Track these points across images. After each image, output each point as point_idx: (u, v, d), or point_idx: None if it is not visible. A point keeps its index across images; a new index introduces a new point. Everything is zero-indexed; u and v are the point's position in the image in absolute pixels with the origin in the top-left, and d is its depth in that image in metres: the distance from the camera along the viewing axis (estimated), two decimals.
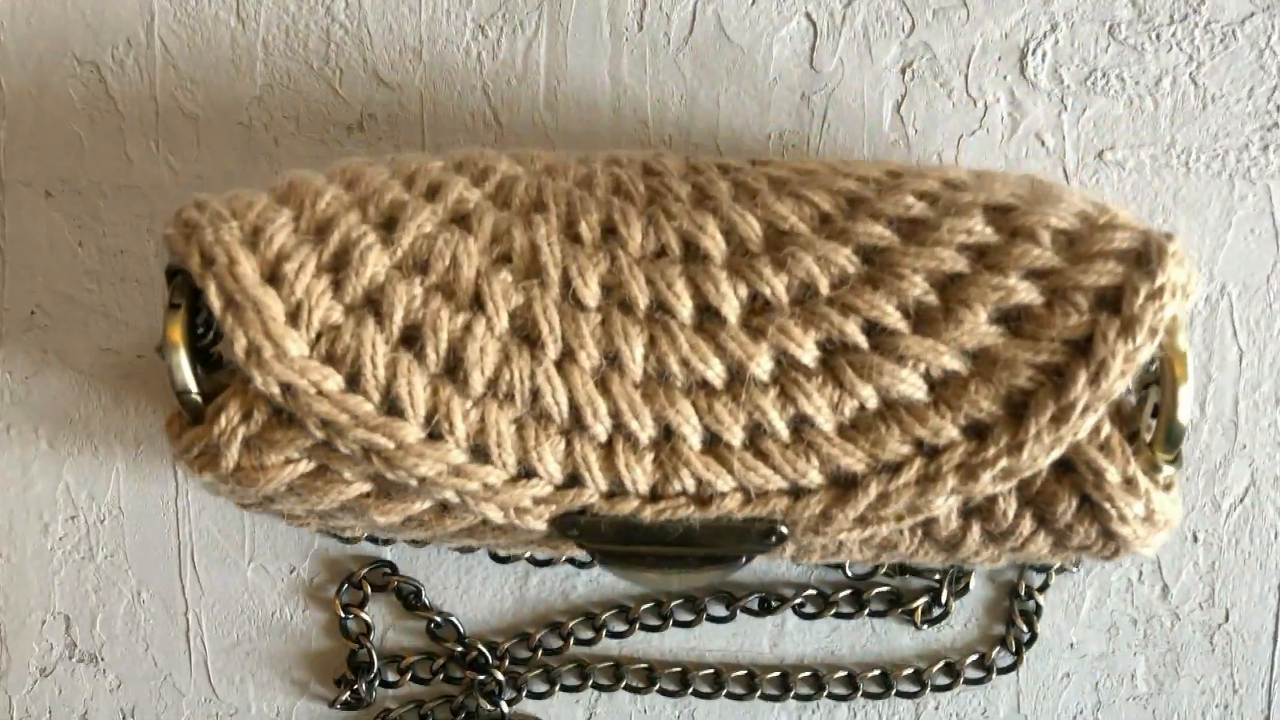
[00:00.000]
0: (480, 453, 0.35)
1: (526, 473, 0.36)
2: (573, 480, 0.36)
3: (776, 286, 0.35)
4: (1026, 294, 0.35)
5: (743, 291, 0.35)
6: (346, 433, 0.35)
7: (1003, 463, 0.35)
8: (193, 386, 0.36)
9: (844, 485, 0.36)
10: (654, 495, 0.36)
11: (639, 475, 0.36)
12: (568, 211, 0.36)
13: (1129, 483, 0.36)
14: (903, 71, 0.51)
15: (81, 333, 0.53)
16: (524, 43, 0.51)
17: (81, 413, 0.53)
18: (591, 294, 0.35)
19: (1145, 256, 0.35)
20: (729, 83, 0.51)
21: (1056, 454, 0.35)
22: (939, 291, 0.35)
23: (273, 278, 0.35)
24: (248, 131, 0.52)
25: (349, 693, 0.53)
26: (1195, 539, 0.53)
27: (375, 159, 0.42)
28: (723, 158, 0.41)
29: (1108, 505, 0.36)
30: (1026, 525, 0.37)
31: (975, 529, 0.38)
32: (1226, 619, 0.54)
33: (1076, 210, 0.36)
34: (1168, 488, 0.37)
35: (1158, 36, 0.50)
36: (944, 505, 0.36)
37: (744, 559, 0.37)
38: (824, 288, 0.35)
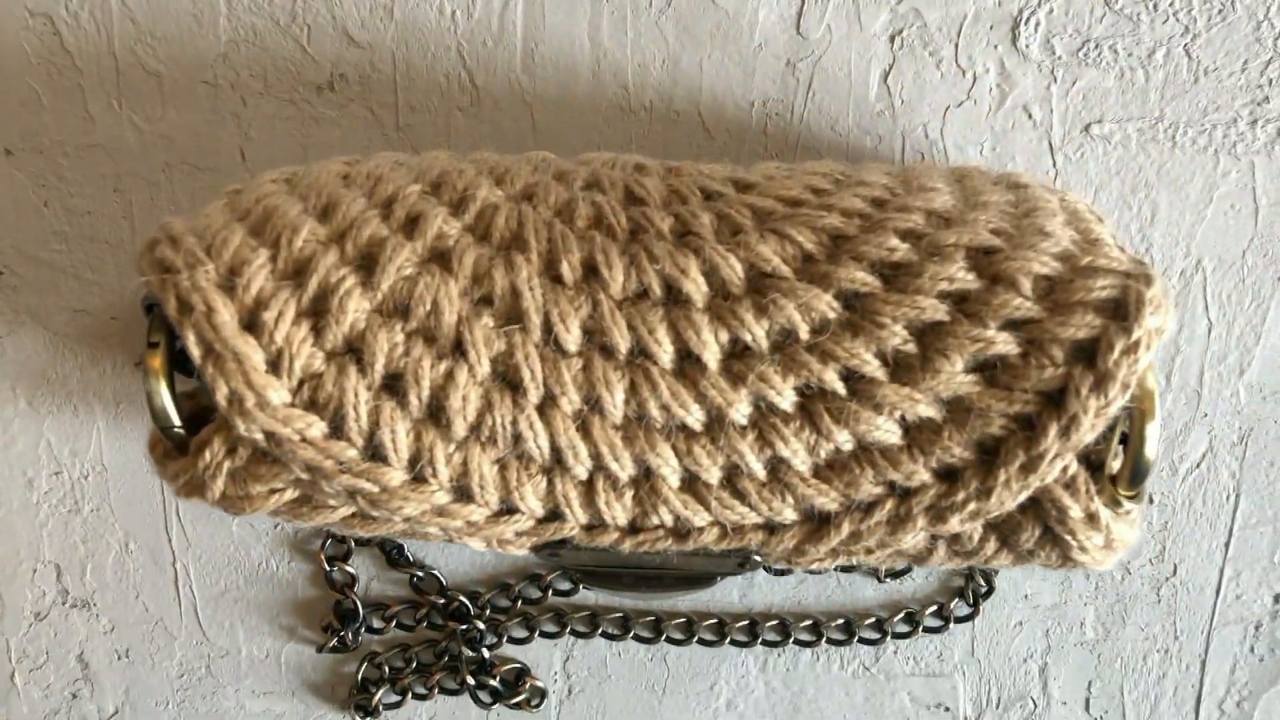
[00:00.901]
0: (463, 493, 0.36)
1: (508, 509, 0.37)
2: (554, 515, 0.37)
3: (757, 333, 0.35)
4: (1004, 345, 0.35)
5: (724, 337, 0.36)
6: (331, 477, 0.35)
7: (971, 506, 0.36)
8: (176, 421, 0.36)
9: (818, 522, 0.37)
10: (633, 528, 0.37)
11: (619, 511, 0.37)
12: (549, 249, 0.36)
13: (1091, 518, 0.37)
14: (891, 39, 0.49)
15: (53, 293, 0.52)
16: (500, 2, 0.49)
17: (58, 372, 0.53)
18: (573, 339, 0.35)
19: (1123, 307, 0.35)
20: (712, 48, 0.49)
21: (1024, 497, 0.36)
22: (918, 339, 0.35)
23: (252, 324, 0.35)
24: (214, 90, 0.50)
25: (335, 639, 0.55)
26: (1151, 500, 0.55)
27: (350, 165, 0.41)
28: (706, 174, 0.40)
29: (1069, 538, 0.37)
30: (991, 547, 0.39)
31: (942, 548, 0.39)
32: (1174, 573, 0.56)
33: (1059, 250, 0.36)
34: (1129, 515, 0.39)
35: (1155, 6, 0.49)
36: (914, 540, 0.37)
37: (719, 579, 0.39)
38: (804, 333, 0.35)
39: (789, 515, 0.37)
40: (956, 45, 0.49)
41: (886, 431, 0.36)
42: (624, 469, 0.36)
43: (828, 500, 0.36)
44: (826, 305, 0.35)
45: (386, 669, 0.56)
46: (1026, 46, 0.49)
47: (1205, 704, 0.59)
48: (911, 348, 0.35)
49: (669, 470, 0.36)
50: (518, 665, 0.56)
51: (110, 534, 0.55)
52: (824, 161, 0.44)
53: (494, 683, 0.56)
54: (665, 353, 0.35)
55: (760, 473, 0.36)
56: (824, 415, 0.35)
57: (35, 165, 0.51)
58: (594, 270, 0.36)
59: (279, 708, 0.58)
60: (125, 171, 0.51)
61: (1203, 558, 0.56)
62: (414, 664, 0.56)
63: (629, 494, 0.36)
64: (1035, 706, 0.58)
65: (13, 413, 0.54)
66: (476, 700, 0.56)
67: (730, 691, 0.57)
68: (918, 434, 0.36)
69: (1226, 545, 0.56)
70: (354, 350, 0.35)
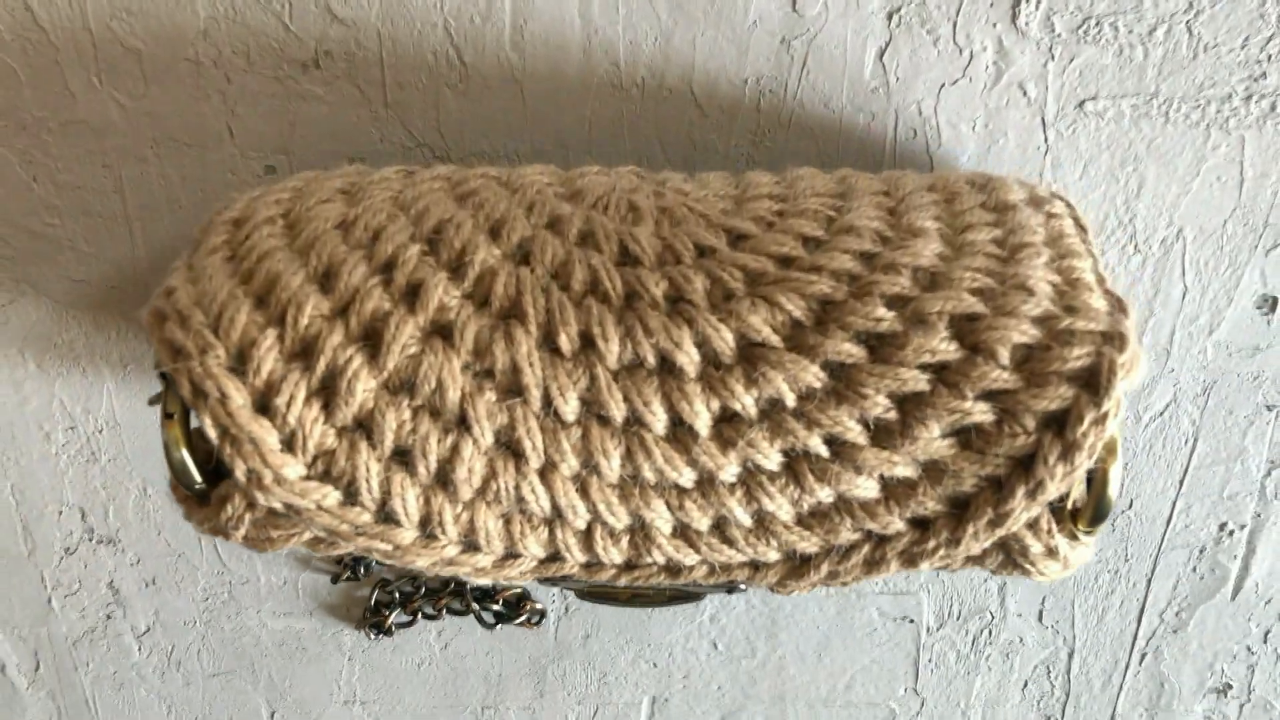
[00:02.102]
0: (471, 545, 0.39)
1: (512, 555, 0.39)
2: (554, 557, 0.40)
3: (746, 402, 0.37)
4: (980, 415, 0.37)
5: (715, 405, 0.37)
6: (347, 538, 0.38)
7: (941, 552, 0.39)
8: (198, 480, 0.38)
9: (799, 561, 0.40)
10: (629, 566, 0.40)
11: (615, 554, 0.39)
12: (547, 320, 0.37)
13: (1050, 552, 0.40)
14: (889, 17, 0.48)
15: (50, 264, 0.53)
16: None
17: (64, 338, 0.54)
18: (571, 410, 0.37)
19: (1096, 377, 0.37)
20: (706, 25, 0.48)
21: (990, 543, 0.39)
22: (899, 407, 0.37)
23: (264, 406, 0.36)
24: (196, 68, 0.49)
25: (348, 571, 0.59)
26: None
27: (348, 196, 0.41)
28: (698, 213, 0.41)
29: (1028, 566, 0.41)
30: (956, 564, 0.42)
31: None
32: (1130, 506, 0.60)
33: (1039, 312, 0.37)
34: (1086, 543, 0.42)
35: None
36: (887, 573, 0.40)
37: (705, 597, 0.42)
38: (791, 401, 0.37)
39: (773, 556, 0.40)
40: (955, 23, 0.48)
41: (866, 489, 0.38)
42: (620, 521, 0.39)
43: (809, 545, 0.39)
44: (813, 376, 0.37)
45: (397, 594, 0.61)
46: (1026, 24, 0.48)
47: (1148, 614, 0.64)
48: (893, 415, 0.37)
49: (662, 521, 0.39)
50: (519, 589, 0.61)
51: (129, 480, 0.58)
52: (815, 177, 0.44)
53: (497, 606, 0.60)
54: (659, 421, 0.37)
55: (747, 522, 0.39)
56: (808, 474, 0.38)
57: (19, 141, 0.50)
58: (591, 342, 0.37)
59: (299, 625, 0.63)
60: (112, 148, 0.50)
61: (1157, 493, 0.60)
62: (423, 589, 0.60)
63: (625, 540, 0.39)
64: (992, 618, 0.64)
65: (24, 375, 0.55)
66: (481, 621, 0.61)
67: (714, 608, 0.62)
68: (895, 489, 0.38)
69: (1181, 482, 0.60)
70: (364, 426, 0.37)
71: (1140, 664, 0.66)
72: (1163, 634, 0.65)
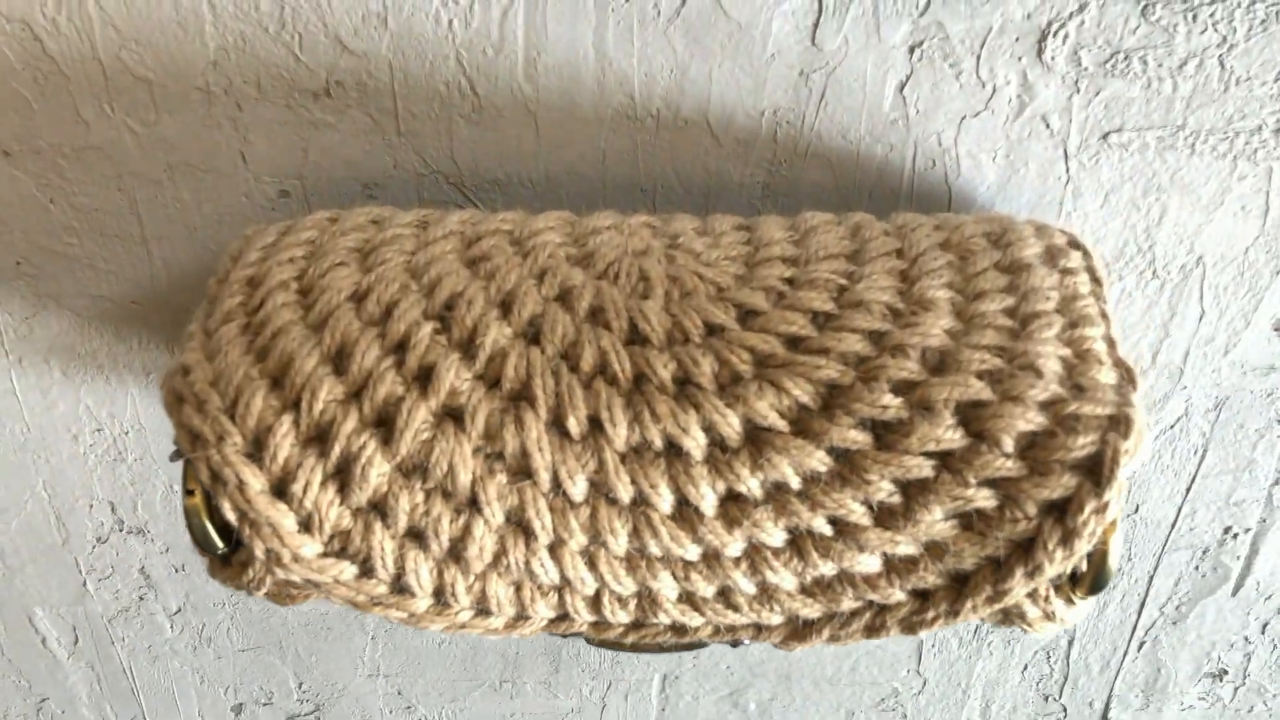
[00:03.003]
0: (483, 610, 0.40)
1: (523, 617, 0.41)
2: (563, 617, 0.41)
3: (752, 485, 0.38)
4: (983, 501, 0.38)
5: (720, 488, 0.38)
6: (364, 608, 0.39)
7: (940, 621, 0.40)
8: (219, 547, 0.40)
9: (802, 625, 0.41)
10: (636, 625, 0.42)
11: (622, 616, 0.41)
12: (556, 404, 0.37)
13: (1048, 616, 0.41)
14: (911, 51, 0.47)
15: (71, 281, 0.53)
16: (500, 10, 0.46)
17: (87, 348, 0.55)
18: (579, 492, 0.38)
19: (1099, 465, 0.37)
20: (723, 58, 0.47)
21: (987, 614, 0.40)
22: (902, 491, 0.38)
23: (281, 491, 0.37)
24: (207, 97, 0.48)
25: None
26: None
27: (362, 257, 0.42)
28: (708, 280, 0.41)
29: (1024, 627, 0.42)
30: (956, 624, 0.43)
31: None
32: (1135, 511, 0.61)
33: (1047, 396, 0.38)
34: (1082, 605, 0.43)
35: (1194, 17, 0.46)
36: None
37: (708, 645, 0.44)
38: (795, 484, 0.38)
39: (776, 620, 0.41)
40: (979, 57, 0.47)
41: (868, 564, 0.39)
42: (626, 589, 0.40)
43: (811, 611, 0.41)
44: (818, 461, 0.38)
45: None
46: (1052, 59, 0.47)
47: (1148, 608, 0.66)
48: (896, 499, 0.38)
49: (668, 590, 0.40)
50: None
51: (155, 477, 0.60)
52: (828, 231, 0.44)
53: None
54: (665, 502, 0.38)
55: (751, 590, 0.40)
56: (811, 551, 0.39)
57: (35, 166, 0.50)
58: (599, 426, 0.38)
59: (324, 607, 0.65)
60: (126, 172, 0.50)
61: (1164, 499, 0.61)
62: None
63: (632, 604, 0.41)
64: None
65: (50, 381, 0.57)
66: None
67: None
68: (896, 564, 0.39)
69: (1188, 490, 0.60)
70: (378, 508, 0.38)
71: (1139, 651, 0.68)
72: (1162, 625, 0.66)
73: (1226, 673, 0.69)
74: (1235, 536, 0.62)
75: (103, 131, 0.49)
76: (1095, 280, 0.44)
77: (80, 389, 0.57)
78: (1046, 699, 0.71)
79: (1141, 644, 0.67)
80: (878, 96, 0.48)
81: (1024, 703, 0.71)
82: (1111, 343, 0.41)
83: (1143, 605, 0.66)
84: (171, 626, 0.67)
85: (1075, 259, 0.44)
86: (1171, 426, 0.58)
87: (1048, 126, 0.49)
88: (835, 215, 0.46)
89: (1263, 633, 0.67)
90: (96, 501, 0.61)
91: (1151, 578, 0.64)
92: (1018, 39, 0.46)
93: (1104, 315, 0.42)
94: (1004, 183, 0.50)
